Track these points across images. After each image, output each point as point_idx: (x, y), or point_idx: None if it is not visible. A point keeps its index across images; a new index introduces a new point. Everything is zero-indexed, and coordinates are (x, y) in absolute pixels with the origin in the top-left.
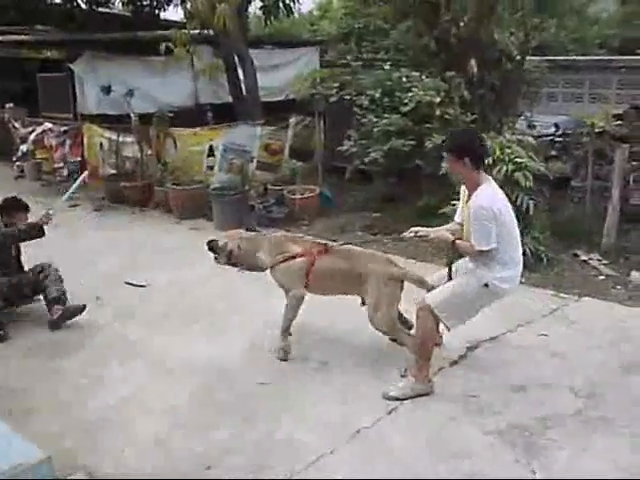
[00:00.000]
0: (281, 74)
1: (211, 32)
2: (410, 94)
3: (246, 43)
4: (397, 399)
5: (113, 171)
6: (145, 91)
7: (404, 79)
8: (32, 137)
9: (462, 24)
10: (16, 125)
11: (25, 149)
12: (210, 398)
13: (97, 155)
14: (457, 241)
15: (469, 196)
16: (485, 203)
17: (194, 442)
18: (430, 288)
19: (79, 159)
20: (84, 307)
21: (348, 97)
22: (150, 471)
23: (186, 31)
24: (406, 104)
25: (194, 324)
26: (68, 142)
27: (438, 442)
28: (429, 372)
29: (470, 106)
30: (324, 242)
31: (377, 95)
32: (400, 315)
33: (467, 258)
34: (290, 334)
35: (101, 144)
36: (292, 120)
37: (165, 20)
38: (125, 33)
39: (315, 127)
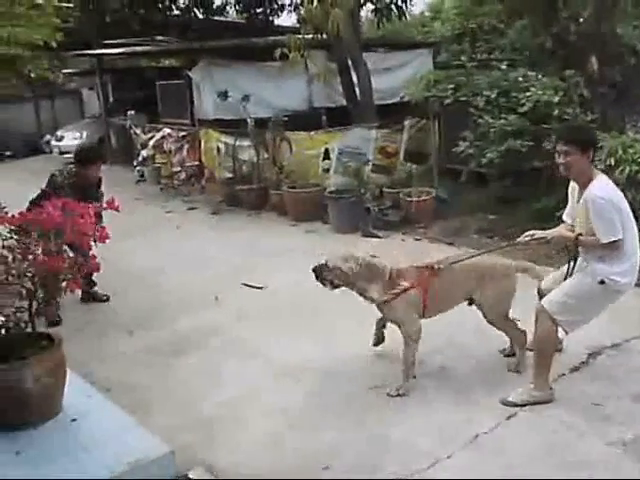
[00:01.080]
0: (394, 76)
1: (325, 36)
2: (527, 94)
3: (359, 46)
4: (515, 405)
5: (229, 175)
6: (260, 96)
7: (521, 79)
8: (152, 143)
9: (581, 20)
10: (137, 132)
11: (145, 154)
12: (322, 399)
13: (214, 159)
14: (581, 237)
15: (580, 192)
16: (604, 194)
17: (307, 442)
18: (541, 277)
19: (196, 163)
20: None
21: (463, 98)
22: (268, 469)
23: (300, 36)
24: (523, 104)
25: (306, 326)
26: (186, 147)
27: (557, 450)
28: (549, 379)
29: (590, 105)
30: (429, 264)
31: (493, 96)
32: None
33: (581, 257)
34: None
35: (218, 148)
36: (407, 123)
37: (278, 26)
38: (240, 40)
39: (430, 129)
